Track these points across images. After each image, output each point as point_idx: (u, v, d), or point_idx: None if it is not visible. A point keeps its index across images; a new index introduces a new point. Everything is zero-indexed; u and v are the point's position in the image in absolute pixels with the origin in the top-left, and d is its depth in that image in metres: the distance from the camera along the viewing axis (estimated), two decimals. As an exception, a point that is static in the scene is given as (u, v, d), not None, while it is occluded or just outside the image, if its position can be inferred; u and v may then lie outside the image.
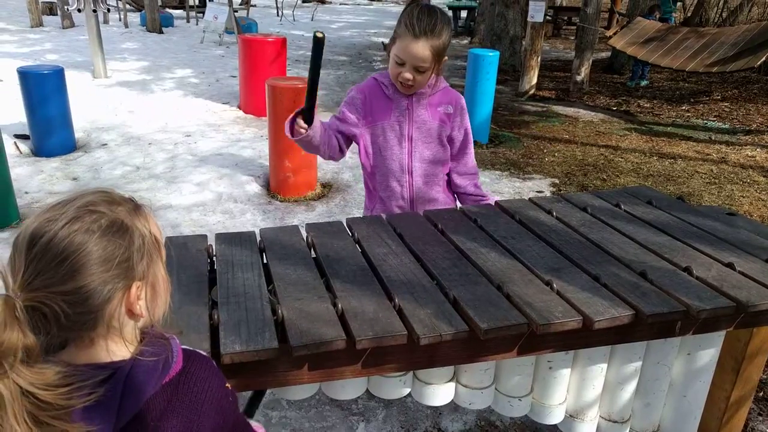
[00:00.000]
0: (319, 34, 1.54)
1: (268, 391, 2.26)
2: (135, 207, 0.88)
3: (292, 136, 1.75)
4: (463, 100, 1.99)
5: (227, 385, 0.95)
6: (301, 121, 1.72)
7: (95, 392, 0.77)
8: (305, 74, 8.28)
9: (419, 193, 1.98)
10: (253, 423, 1.19)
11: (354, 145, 2.00)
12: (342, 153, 1.94)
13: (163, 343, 0.88)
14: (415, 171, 1.94)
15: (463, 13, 14.43)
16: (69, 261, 0.77)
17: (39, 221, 0.79)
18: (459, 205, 2.05)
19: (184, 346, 0.94)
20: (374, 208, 2.03)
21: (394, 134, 1.91)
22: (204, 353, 0.97)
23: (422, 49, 1.74)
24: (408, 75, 1.78)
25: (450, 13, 14.49)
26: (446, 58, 1.84)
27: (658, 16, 8.15)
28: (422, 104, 1.90)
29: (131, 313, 0.85)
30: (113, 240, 0.81)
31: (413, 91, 1.87)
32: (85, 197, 0.83)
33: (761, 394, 2.45)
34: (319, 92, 6.31)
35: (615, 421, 1.62)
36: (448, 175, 2.05)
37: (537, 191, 4.59)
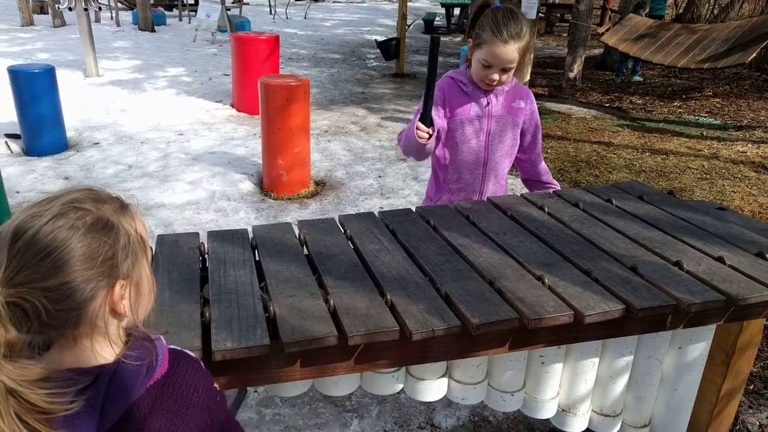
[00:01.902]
0: (436, 36, 1.68)
1: (262, 389, 2.27)
2: (121, 206, 0.87)
3: (419, 140, 1.84)
4: (532, 93, 2.10)
5: (215, 385, 0.94)
6: (423, 126, 1.82)
7: (77, 400, 0.76)
8: (298, 72, 8.14)
9: (488, 186, 2.08)
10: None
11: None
12: (436, 138, 2.01)
13: (147, 346, 0.87)
14: (489, 164, 2.04)
15: (456, 11, 14.43)
16: (52, 257, 0.76)
17: (23, 217, 0.78)
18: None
19: (171, 346, 0.93)
20: (440, 198, 2.10)
21: (473, 128, 2.00)
22: (191, 354, 0.96)
23: (512, 52, 1.84)
24: (496, 76, 1.88)
25: (443, 10, 14.50)
26: (530, 55, 1.93)
27: (644, 14, 8.18)
28: (499, 100, 2.00)
29: (114, 312, 0.84)
30: (98, 237, 0.80)
31: (496, 87, 1.96)
32: (71, 194, 0.82)
33: (751, 387, 2.47)
34: (312, 90, 6.28)
35: (607, 415, 1.63)
36: (520, 166, 2.18)
37: (530, 188, 4.61)
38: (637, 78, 8.73)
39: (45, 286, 0.76)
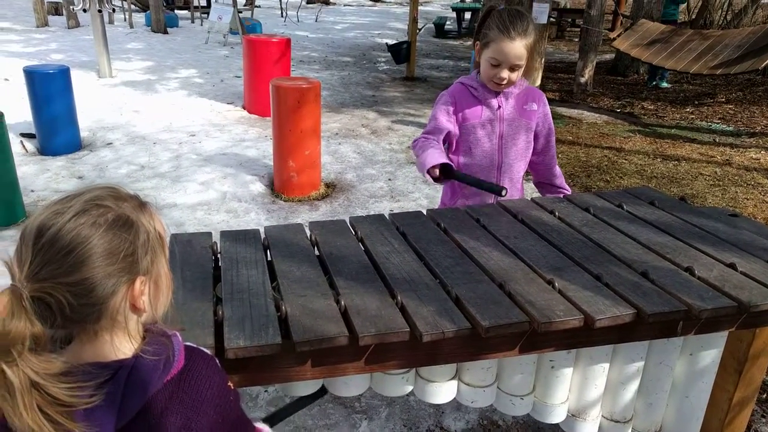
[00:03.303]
0: (503, 189, 1.87)
1: (272, 388, 2.27)
2: (140, 203, 0.89)
3: (429, 175, 1.90)
4: (544, 96, 2.11)
5: (229, 383, 0.95)
6: (436, 173, 1.88)
7: (96, 394, 0.78)
8: (309, 75, 8.19)
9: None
10: (259, 425, 1.19)
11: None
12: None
13: (164, 342, 0.88)
14: (503, 167, 2.05)
15: (467, 15, 14.44)
16: (75, 253, 0.78)
17: (46, 214, 0.80)
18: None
19: (187, 343, 0.94)
20: (455, 204, 2.11)
21: (485, 132, 2.01)
22: (207, 351, 0.97)
23: (519, 48, 1.86)
24: (505, 74, 1.90)
25: (454, 14, 14.51)
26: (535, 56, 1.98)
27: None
28: (510, 103, 2.01)
29: (134, 308, 0.86)
30: (119, 234, 0.82)
31: (506, 88, 1.97)
32: (92, 192, 0.84)
33: (764, 395, 2.44)
34: (323, 93, 6.30)
35: (617, 421, 1.63)
36: (533, 168, 2.18)
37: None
38: (664, 84, 8.65)
39: (69, 281, 0.78)
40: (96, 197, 0.83)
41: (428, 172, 1.88)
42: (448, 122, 1.99)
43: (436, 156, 1.88)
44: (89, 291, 0.80)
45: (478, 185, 1.95)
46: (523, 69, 1.93)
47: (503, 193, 1.86)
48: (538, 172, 2.19)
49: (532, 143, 2.08)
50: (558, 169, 2.19)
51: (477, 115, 2.00)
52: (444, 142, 2.04)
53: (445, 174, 1.90)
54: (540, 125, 2.07)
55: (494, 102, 1.99)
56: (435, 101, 2.08)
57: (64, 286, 0.77)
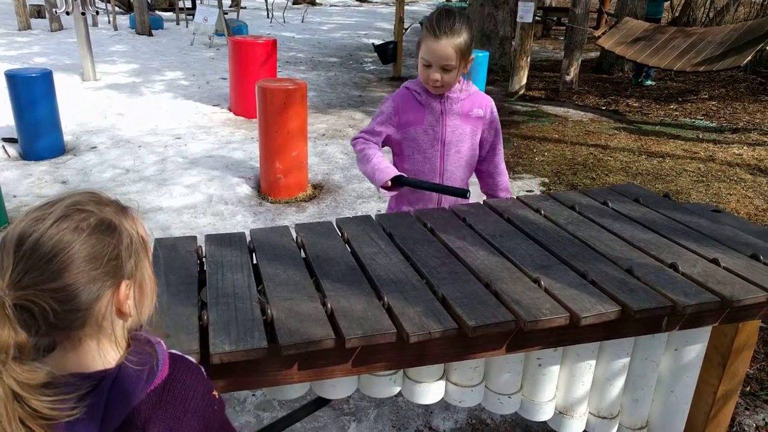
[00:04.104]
0: (468, 190, 1.87)
1: (260, 392, 2.26)
2: (122, 208, 0.88)
3: (382, 186, 1.91)
4: (493, 103, 2.05)
5: (214, 392, 0.94)
6: (391, 184, 1.88)
7: (78, 407, 0.77)
8: (295, 76, 8.14)
9: (447, 196, 2.03)
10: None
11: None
12: None
13: (148, 350, 0.87)
14: (446, 174, 2.00)
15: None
16: (58, 259, 0.77)
17: (27, 221, 0.79)
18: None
19: (172, 351, 0.93)
20: (400, 209, 2.07)
21: (428, 138, 1.97)
22: (192, 359, 0.96)
23: (445, 47, 1.81)
24: (436, 75, 1.85)
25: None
26: (472, 57, 1.91)
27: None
28: (454, 108, 1.96)
29: (120, 313, 0.85)
30: (102, 238, 0.81)
31: (443, 91, 1.93)
32: (72, 197, 0.83)
33: (748, 388, 2.47)
34: (310, 93, 6.28)
35: (604, 417, 1.64)
36: (477, 177, 2.13)
37: (527, 190, 4.62)
38: (649, 82, 8.72)
39: (52, 288, 0.77)
40: (77, 202, 0.82)
41: (383, 188, 1.88)
42: (388, 126, 1.96)
43: (386, 168, 1.87)
44: (73, 297, 0.78)
45: (438, 190, 1.92)
46: (457, 72, 1.86)
47: (467, 195, 1.83)
48: (482, 180, 2.14)
49: (477, 152, 2.04)
50: (504, 182, 2.12)
51: (420, 120, 1.96)
52: (384, 144, 2.01)
53: (397, 183, 1.87)
54: (486, 132, 2.03)
55: (437, 107, 1.95)
56: (381, 103, 2.04)
57: (48, 292, 0.76)
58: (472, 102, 1.99)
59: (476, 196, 2.13)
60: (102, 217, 0.82)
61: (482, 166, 2.09)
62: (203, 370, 0.96)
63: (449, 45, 1.81)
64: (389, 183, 1.87)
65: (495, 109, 2.04)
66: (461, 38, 1.82)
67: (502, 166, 2.11)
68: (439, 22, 1.81)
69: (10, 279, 0.75)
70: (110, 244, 0.82)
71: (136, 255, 0.86)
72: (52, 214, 0.79)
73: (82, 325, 0.81)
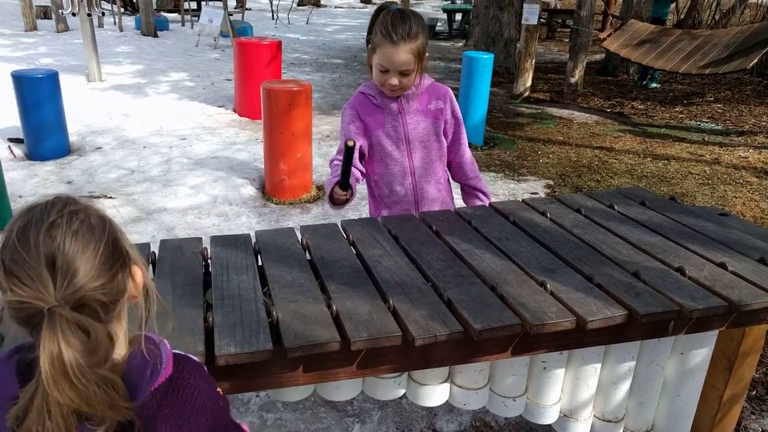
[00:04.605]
0: (350, 143, 1.71)
1: (263, 393, 2.27)
2: (89, 200, 0.90)
3: (334, 204, 1.88)
4: (451, 92, 2.01)
5: (218, 389, 0.95)
6: (339, 191, 1.82)
7: None
8: (300, 77, 8.16)
9: (423, 193, 2.01)
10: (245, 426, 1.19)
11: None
12: (363, 175, 1.99)
13: (151, 348, 0.88)
14: (416, 172, 1.98)
15: (458, 16, 14.47)
16: (89, 258, 0.79)
17: (43, 238, 0.78)
18: (456, 203, 2.09)
19: (175, 350, 0.93)
20: (379, 214, 2.05)
21: (391, 140, 1.94)
22: (195, 358, 0.96)
23: (404, 54, 1.77)
24: (394, 81, 1.82)
25: (445, 16, 14.54)
26: (427, 55, 1.87)
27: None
28: (412, 105, 1.93)
29: (132, 298, 0.88)
30: (108, 231, 0.83)
31: (400, 93, 1.90)
32: (55, 205, 0.82)
33: (754, 392, 2.46)
34: (315, 95, 6.33)
35: (609, 421, 1.63)
36: (449, 168, 2.09)
37: (531, 193, 4.61)
38: (654, 85, 8.69)
39: (95, 286, 0.79)
40: (66, 205, 0.83)
41: (334, 202, 1.87)
42: (355, 136, 1.92)
43: (329, 187, 1.86)
44: (114, 291, 0.82)
45: (344, 169, 1.80)
46: (415, 73, 1.82)
47: (350, 143, 1.71)
48: (451, 171, 2.11)
49: (444, 142, 2.00)
50: (473, 169, 2.09)
51: (380, 123, 1.93)
52: (362, 155, 1.96)
53: (344, 187, 1.83)
54: (448, 122, 1.98)
55: (394, 107, 1.91)
56: (341, 116, 2.01)
57: (95, 290, 0.79)
58: (430, 94, 1.95)
59: (455, 189, 2.14)
60: (95, 213, 0.85)
61: (449, 156, 2.05)
62: (207, 368, 0.96)
63: (407, 50, 1.76)
64: (343, 198, 1.84)
65: (453, 98, 2.00)
66: (418, 41, 1.77)
67: (469, 153, 2.07)
68: (395, 26, 1.75)
69: (55, 291, 0.76)
70: (113, 233, 0.84)
71: (125, 239, 0.89)
72: (59, 224, 0.80)
73: (111, 318, 0.84)
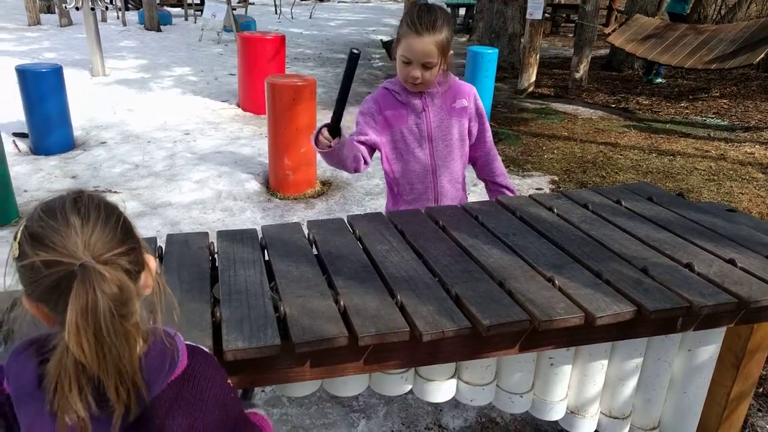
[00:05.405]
0: (356, 51, 1.61)
1: (269, 388, 2.27)
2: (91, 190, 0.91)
3: (318, 147, 1.80)
4: (475, 89, 2.02)
5: (229, 381, 0.96)
6: (326, 132, 1.76)
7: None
8: (304, 72, 8.12)
9: (443, 191, 2.01)
10: (260, 412, 1.20)
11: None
12: (366, 164, 1.95)
13: (169, 341, 0.88)
14: (438, 170, 1.98)
15: (462, 11, 14.41)
16: (107, 227, 0.81)
17: (69, 206, 0.80)
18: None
19: (187, 342, 0.94)
20: (398, 208, 2.03)
21: (414, 137, 1.94)
22: (207, 350, 0.98)
23: (426, 44, 1.77)
24: (417, 73, 1.81)
25: (449, 10, 14.49)
26: (452, 52, 1.87)
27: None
28: (436, 103, 1.93)
29: (145, 287, 0.88)
30: (122, 212, 0.85)
31: (423, 88, 1.89)
32: (69, 196, 0.83)
33: (761, 390, 2.45)
34: (318, 90, 6.33)
35: (616, 417, 1.63)
36: (473, 165, 2.10)
37: (536, 188, 4.60)
38: (659, 80, 8.64)
39: (121, 251, 0.81)
40: (83, 192, 0.84)
41: (317, 142, 1.77)
42: (371, 127, 1.91)
43: (317, 130, 1.78)
44: (136, 261, 0.84)
45: (345, 85, 1.69)
46: (438, 68, 1.82)
47: (356, 51, 1.63)
48: (477, 169, 2.11)
49: (467, 141, 2.01)
50: (500, 166, 2.09)
51: (403, 120, 1.92)
52: (372, 150, 1.95)
53: (333, 133, 1.76)
54: (472, 121, 1.99)
55: (419, 104, 1.91)
56: (361, 105, 1.99)
57: (121, 256, 0.81)
58: (454, 93, 1.95)
59: (472, 184, 2.12)
60: (104, 199, 0.86)
61: (475, 153, 2.05)
62: (217, 360, 0.97)
63: (431, 42, 1.76)
64: (326, 139, 1.76)
65: (477, 96, 2.01)
66: (443, 35, 1.78)
67: (494, 151, 2.08)
68: (420, 18, 1.76)
69: (85, 249, 0.78)
70: (127, 218, 0.85)
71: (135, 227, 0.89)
72: (80, 198, 0.82)
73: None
